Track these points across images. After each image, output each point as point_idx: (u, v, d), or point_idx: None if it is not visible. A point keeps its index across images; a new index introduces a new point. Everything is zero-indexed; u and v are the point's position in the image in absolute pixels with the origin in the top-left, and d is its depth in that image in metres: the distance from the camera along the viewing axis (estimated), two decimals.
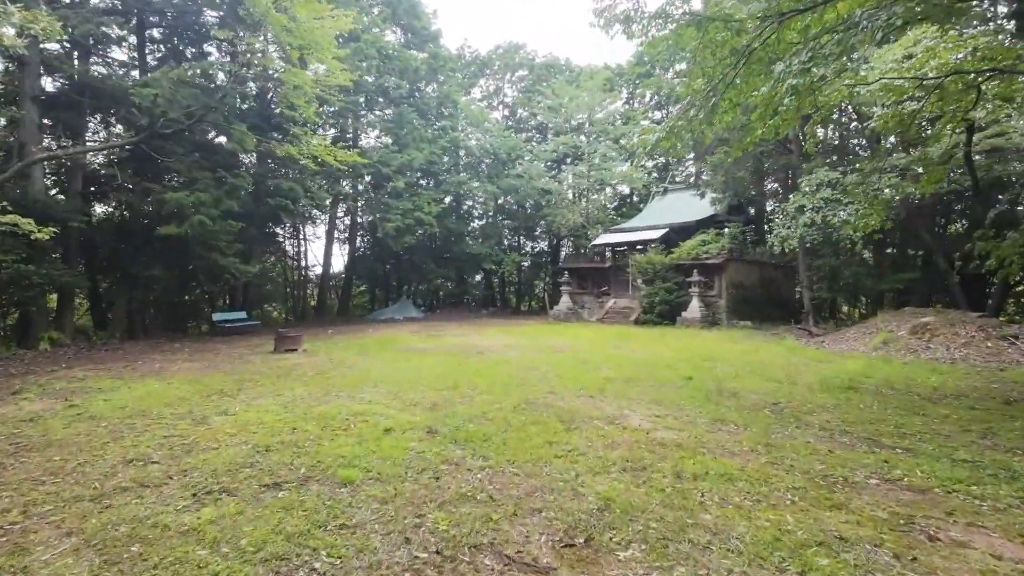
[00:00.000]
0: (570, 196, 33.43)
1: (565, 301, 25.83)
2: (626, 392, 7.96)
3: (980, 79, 8.54)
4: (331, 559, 3.12)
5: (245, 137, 15.99)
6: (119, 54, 18.78)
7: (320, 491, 4.10)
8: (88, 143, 16.72)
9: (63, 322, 14.57)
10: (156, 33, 18.95)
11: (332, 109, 24.94)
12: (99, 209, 19.25)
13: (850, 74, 8.55)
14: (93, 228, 16.78)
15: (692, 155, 29.30)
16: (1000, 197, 17.43)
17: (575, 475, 4.47)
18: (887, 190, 13.40)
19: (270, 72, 16.41)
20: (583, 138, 32.33)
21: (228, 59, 17.87)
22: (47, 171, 16.20)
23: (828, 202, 15.07)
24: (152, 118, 14.38)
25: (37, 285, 12.72)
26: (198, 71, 16.07)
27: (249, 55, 15.18)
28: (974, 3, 11.06)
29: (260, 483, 4.26)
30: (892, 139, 19.19)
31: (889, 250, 22.97)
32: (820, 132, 23.88)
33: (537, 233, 37.51)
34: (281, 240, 28.20)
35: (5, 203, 10.80)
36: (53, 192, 16.73)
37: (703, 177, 25.31)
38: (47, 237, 10.62)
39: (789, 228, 16.29)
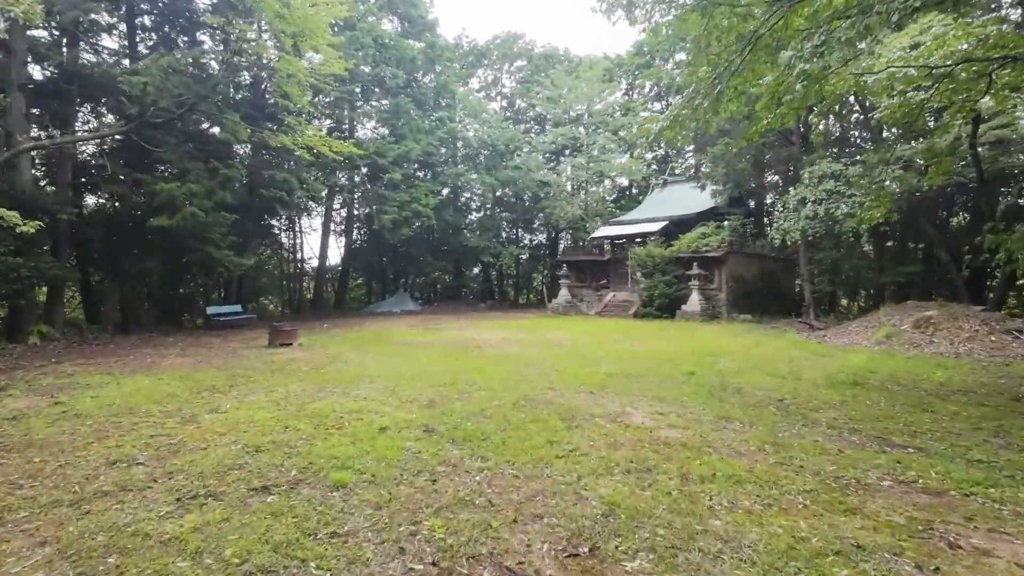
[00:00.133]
0: (569, 188, 33.14)
1: (564, 294, 25.64)
2: (628, 388, 7.79)
3: (991, 68, 8.34)
4: (320, 572, 2.93)
5: (238, 127, 15.67)
6: (109, 42, 18.37)
7: (311, 495, 3.91)
8: (78, 133, 16.37)
9: (53, 316, 14.31)
10: (147, 21, 18.53)
11: (327, 99, 24.56)
12: (90, 201, 18.92)
13: (859, 62, 8.34)
14: (84, 220, 16.48)
15: (692, 147, 28.99)
16: (1003, 189, 17.28)
17: (577, 477, 4.29)
18: (888, 182, 13.20)
19: (264, 60, 16.05)
20: (582, 129, 31.99)
21: (221, 48, 17.50)
22: (36, 162, 15.88)
23: (831, 194, 14.85)
24: (142, 107, 14.04)
25: (25, 278, 12.43)
26: (190, 59, 15.68)
27: (242, 43, 14.84)
28: None
29: (248, 487, 4.07)
30: (893, 130, 18.97)
31: (889, 243, 22.80)
32: (821, 124, 23.66)
33: (535, 226, 37.21)
34: (277, 232, 27.81)
35: None
36: (42, 183, 16.42)
37: (703, 169, 25.06)
38: (32, 230, 10.35)
39: (791, 221, 16.09)
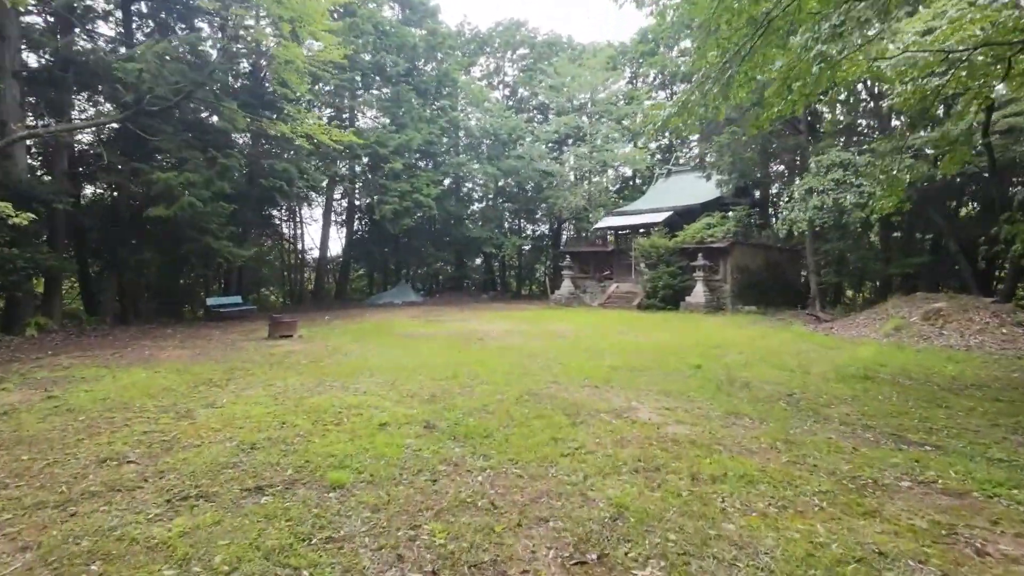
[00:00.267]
0: (572, 178, 32.77)
1: (567, 285, 25.43)
2: (633, 382, 7.62)
3: (1009, 52, 8.05)
4: None
5: (236, 115, 15.40)
6: (106, 29, 18.09)
7: (307, 496, 3.76)
8: (74, 121, 16.12)
9: (51, 307, 14.18)
10: (144, 7, 18.21)
11: (327, 88, 24.22)
12: (88, 191, 18.73)
13: (872, 47, 8.05)
14: (81, 210, 16.28)
15: (697, 136, 28.58)
16: (1015, 179, 16.95)
17: (583, 477, 4.13)
18: (895, 171, 12.91)
19: (262, 47, 15.74)
20: (585, 119, 31.58)
21: (219, 34, 17.19)
22: (32, 150, 15.67)
23: (839, 184, 14.58)
24: (138, 95, 13.77)
25: (21, 269, 12.27)
26: (186, 45, 15.39)
27: (240, 29, 14.53)
28: None
29: (242, 487, 3.92)
30: (902, 118, 18.60)
31: (896, 234, 22.50)
32: (828, 113, 23.25)
33: (538, 216, 36.90)
34: (277, 223, 27.60)
35: None
36: (39, 173, 16.22)
37: (708, 159, 24.71)
38: (25, 222, 10.16)
39: (798, 211, 15.82)
